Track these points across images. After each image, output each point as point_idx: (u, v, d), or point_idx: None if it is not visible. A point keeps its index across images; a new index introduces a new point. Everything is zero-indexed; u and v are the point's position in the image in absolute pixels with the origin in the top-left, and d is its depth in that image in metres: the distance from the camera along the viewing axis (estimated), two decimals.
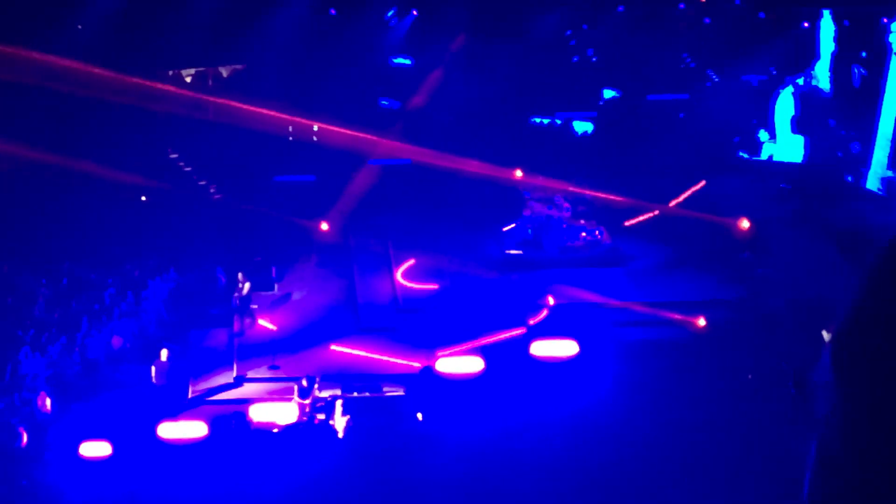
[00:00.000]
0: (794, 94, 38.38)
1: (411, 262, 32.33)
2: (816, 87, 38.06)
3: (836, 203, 34.62)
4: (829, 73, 37.85)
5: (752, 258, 31.73)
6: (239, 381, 27.56)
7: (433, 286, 31.15)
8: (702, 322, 28.67)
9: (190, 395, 26.97)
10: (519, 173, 36.01)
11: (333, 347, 28.29)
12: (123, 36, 35.22)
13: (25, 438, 25.02)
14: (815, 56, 37.99)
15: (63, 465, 23.84)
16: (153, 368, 27.42)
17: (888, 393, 1.90)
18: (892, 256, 2.04)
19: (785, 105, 38.48)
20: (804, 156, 37.96)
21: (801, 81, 38.30)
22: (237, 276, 30.21)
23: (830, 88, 37.77)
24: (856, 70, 37.04)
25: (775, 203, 34.89)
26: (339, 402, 25.35)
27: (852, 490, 2.00)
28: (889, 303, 1.96)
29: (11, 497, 23.52)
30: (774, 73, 38.57)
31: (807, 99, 38.11)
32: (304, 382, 25.54)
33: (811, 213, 33.96)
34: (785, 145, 38.33)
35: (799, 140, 38.21)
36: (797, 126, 38.27)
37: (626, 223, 34.10)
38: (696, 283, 30.90)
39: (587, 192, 35.20)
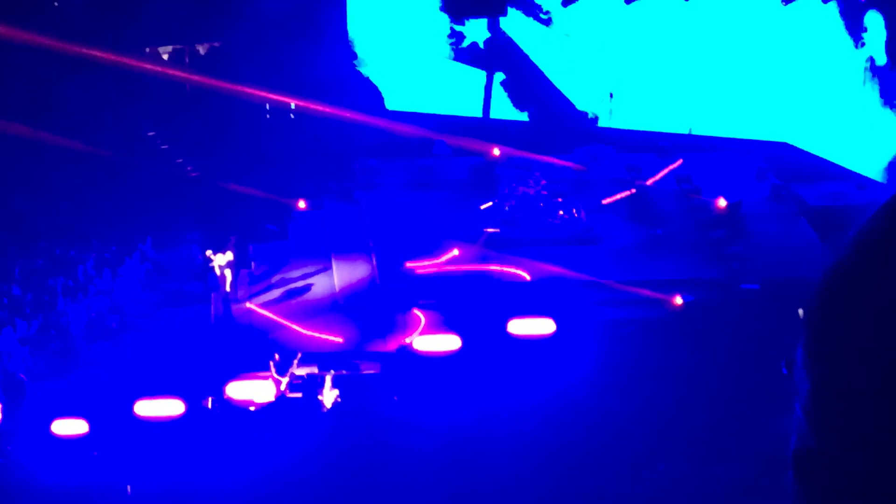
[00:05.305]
0: None
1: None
2: None
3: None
4: None
5: (729, 236, 31.79)
6: (214, 359, 27.46)
7: (413, 267, 31.10)
8: (678, 300, 28.71)
9: (163, 374, 26.89)
10: (496, 151, 35.93)
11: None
12: (101, 12, 35.00)
13: (0, 416, 24.92)
14: None
15: (38, 442, 23.77)
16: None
17: (862, 374, 1.88)
18: (868, 236, 2.01)
19: None
20: None
21: None
22: (213, 253, 30.11)
23: None
24: None
25: (753, 182, 34.90)
26: (320, 380, 25.33)
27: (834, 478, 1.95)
28: (865, 279, 1.94)
29: None
30: None
31: None
32: (277, 357, 25.46)
33: (788, 191, 34.03)
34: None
35: None
36: None
37: (604, 201, 34.06)
38: (674, 261, 30.94)
39: (565, 163, 35.18)
